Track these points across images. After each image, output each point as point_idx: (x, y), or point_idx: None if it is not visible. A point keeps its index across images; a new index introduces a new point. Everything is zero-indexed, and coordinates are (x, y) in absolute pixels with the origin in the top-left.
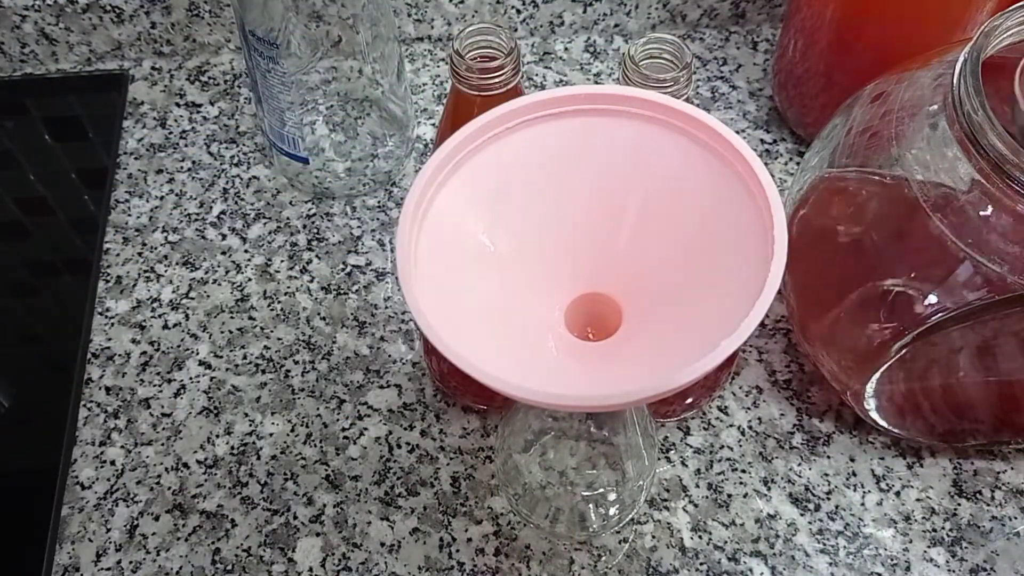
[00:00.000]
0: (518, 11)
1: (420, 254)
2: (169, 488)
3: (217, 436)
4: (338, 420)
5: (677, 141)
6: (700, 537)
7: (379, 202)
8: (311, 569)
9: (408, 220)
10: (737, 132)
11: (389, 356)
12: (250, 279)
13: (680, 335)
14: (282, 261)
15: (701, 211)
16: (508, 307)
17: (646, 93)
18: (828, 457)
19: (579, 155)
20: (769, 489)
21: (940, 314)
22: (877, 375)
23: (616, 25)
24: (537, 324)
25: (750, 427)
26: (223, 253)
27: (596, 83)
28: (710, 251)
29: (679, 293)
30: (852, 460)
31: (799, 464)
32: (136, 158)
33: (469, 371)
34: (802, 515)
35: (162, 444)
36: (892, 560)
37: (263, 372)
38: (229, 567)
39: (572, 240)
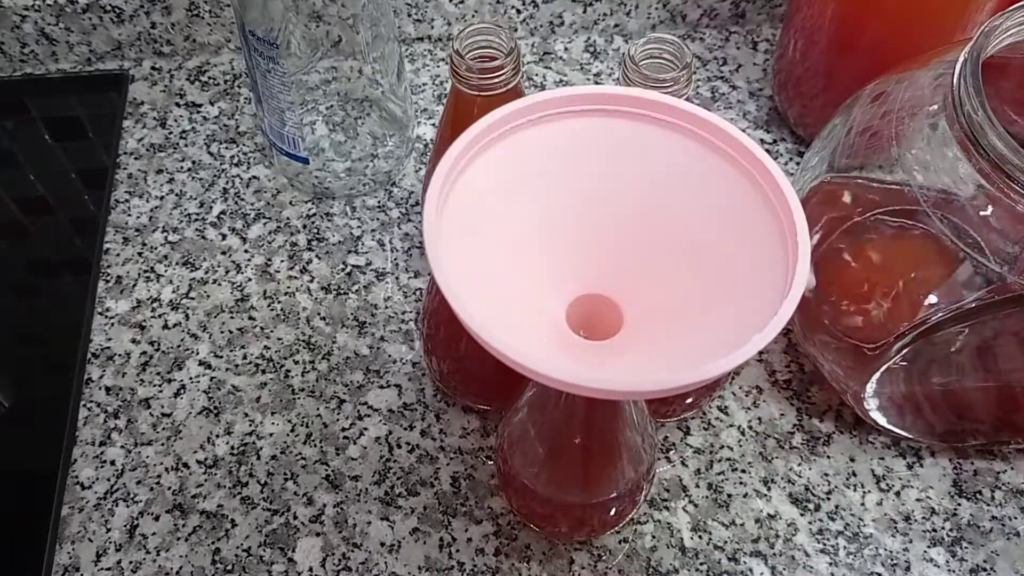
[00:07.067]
0: (518, 11)
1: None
2: (169, 488)
3: (217, 436)
4: (338, 420)
5: (693, 147)
6: (700, 537)
7: (379, 202)
8: (311, 569)
9: (434, 199)
10: None
11: (389, 356)
12: (250, 279)
13: (683, 339)
14: (282, 261)
15: (712, 218)
16: (515, 297)
17: (671, 100)
18: (828, 457)
19: (593, 155)
20: (769, 489)
21: (940, 314)
22: (877, 375)
23: (616, 25)
24: (541, 319)
25: (750, 427)
26: (223, 253)
27: (596, 83)
28: (719, 257)
29: (684, 297)
30: (852, 460)
31: (799, 464)
32: (136, 158)
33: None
34: (802, 515)
35: (162, 444)
36: (892, 560)
37: (263, 372)
38: (229, 567)
39: (578, 239)
